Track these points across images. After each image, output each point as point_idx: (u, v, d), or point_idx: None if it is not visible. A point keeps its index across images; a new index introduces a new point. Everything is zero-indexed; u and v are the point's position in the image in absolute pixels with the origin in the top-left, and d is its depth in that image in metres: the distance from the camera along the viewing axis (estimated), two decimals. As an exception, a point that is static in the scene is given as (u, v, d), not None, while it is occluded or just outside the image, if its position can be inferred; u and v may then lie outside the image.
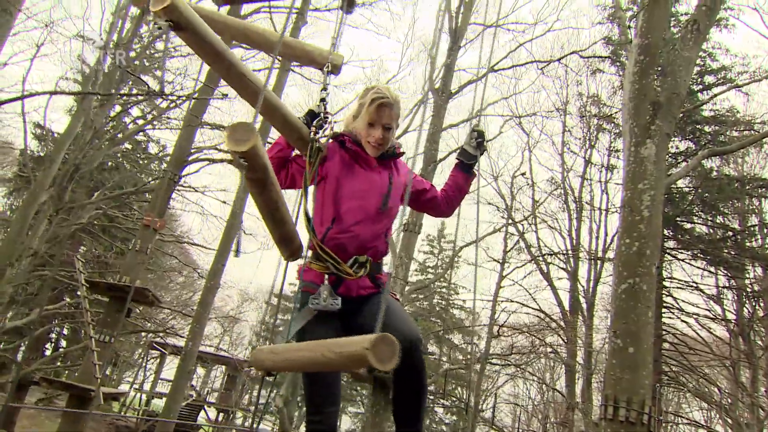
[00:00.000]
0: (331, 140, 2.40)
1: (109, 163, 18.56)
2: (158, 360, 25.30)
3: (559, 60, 16.99)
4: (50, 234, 12.33)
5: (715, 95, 14.76)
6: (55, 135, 17.21)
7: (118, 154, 19.24)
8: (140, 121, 18.34)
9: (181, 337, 17.95)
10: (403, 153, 2.53)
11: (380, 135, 2.34)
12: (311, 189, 2.25)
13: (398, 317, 2.15)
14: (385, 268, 2.42)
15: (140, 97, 15.85)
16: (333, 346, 1.56)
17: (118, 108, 16.98)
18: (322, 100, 2.32)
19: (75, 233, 15.19)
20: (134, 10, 15.55)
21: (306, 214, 2.19)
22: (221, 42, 1.75)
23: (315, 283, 2.20)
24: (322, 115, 2.32)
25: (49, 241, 12.59)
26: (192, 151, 14.39)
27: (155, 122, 17.75)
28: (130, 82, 17.65)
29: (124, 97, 15.89)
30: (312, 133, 2.28)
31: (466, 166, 2.53)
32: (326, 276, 2.17)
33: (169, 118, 17.42)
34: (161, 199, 10.94)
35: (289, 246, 2.14)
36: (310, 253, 2.23)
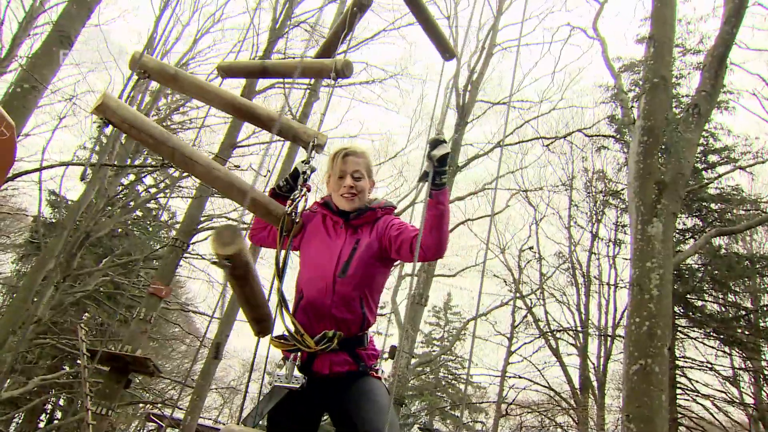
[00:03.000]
0: (308, 210, 2.41)
1: (119, 230, 18.74)
2: (154, 433, 24.44)
3: (564, 137, 17.40)
4: (56, 301, 12.29)
5: (720, 175, 14.95)
6: (69, 202, 17.51)
7: (128, 222, 19.47)
8: (153, 190, 18.69)
9: (180, 409, 17.44)
10: (390, 207, 2.42)
11: (350, 182, 2.31)
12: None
13: (377, 407, 2.01)
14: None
15: (154, 166, 16.23)
16: None
17: (131, 177, 17.37)
18: (303, 173, 2.31)
19: (80, 300, 15.13)
20: (155, 84, 16.23)
21: (279, 292, 2.11)
22: (161, 130, 1.93)
23: (286, 356, 2.09)
24: (299, 187, 2.28)
25: (54, 308, 12.53)
26: (202, 219, 14.57)
27: (167, 191, 18.08)
28: (145, 152, 18.14)
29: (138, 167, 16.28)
30: (289, 208, 2.25)
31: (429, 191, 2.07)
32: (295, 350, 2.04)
33: (180, 186, 17.77)
34: (169, 267, 10.96)
35: (260, 324, 2.07)
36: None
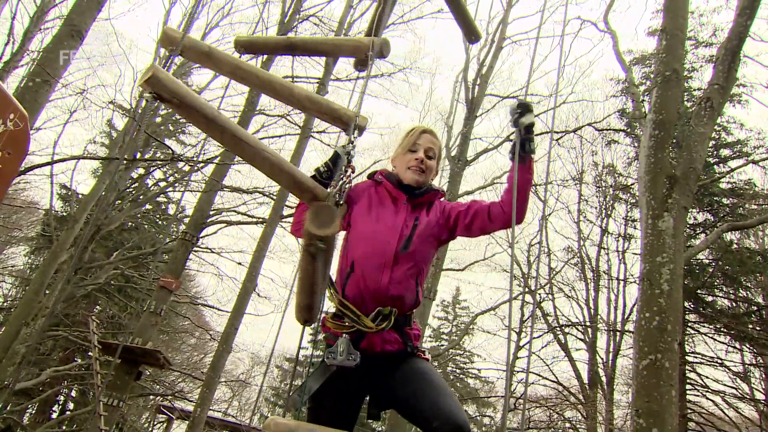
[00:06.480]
0: (366, 179, 2.35)
1: (129, 224, 18.85)
2: (165, 425, 24.68)
3: (574, 131, 17.27)
4: (67, 293, 12.41)
5: (733, 170, 14.77)
6: (80, 196, 17.62)
7: (138, 215, 19.58)
8: (162, 184, 18.77)
9: (190, 401, 17.60)
10: (444, 193, 2.38)
11: (421, 155, 2.29)
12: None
13: (439, 390, 1.92)
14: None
15: (164, 160, 16.31)
16: None
17: (141, 170, 17.45)
18: (348, 153, 2.21)
19: (91, 293, 15.27)
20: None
21: (328, 276, 2.07)
22: (212, 108, 1.77)
23: (335, 334, 2.01)
24: (343, 167, 2.21)
25: (65, 301, 12.65)
26: (211, 213, 14.64)
27: (176, 185, 18.15)
28: (155, 145, 18.22)
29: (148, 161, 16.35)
30: (331, 188, 2.16)
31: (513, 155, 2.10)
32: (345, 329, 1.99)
33: (189, 180, 17.82)
34: (179, 261, 11.02)
35: (309, 312, 2.00)
36: (332, 307, 2.08)
